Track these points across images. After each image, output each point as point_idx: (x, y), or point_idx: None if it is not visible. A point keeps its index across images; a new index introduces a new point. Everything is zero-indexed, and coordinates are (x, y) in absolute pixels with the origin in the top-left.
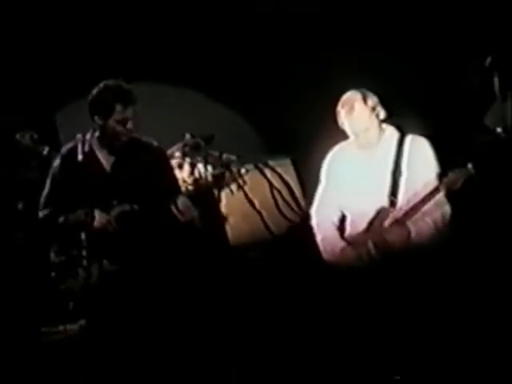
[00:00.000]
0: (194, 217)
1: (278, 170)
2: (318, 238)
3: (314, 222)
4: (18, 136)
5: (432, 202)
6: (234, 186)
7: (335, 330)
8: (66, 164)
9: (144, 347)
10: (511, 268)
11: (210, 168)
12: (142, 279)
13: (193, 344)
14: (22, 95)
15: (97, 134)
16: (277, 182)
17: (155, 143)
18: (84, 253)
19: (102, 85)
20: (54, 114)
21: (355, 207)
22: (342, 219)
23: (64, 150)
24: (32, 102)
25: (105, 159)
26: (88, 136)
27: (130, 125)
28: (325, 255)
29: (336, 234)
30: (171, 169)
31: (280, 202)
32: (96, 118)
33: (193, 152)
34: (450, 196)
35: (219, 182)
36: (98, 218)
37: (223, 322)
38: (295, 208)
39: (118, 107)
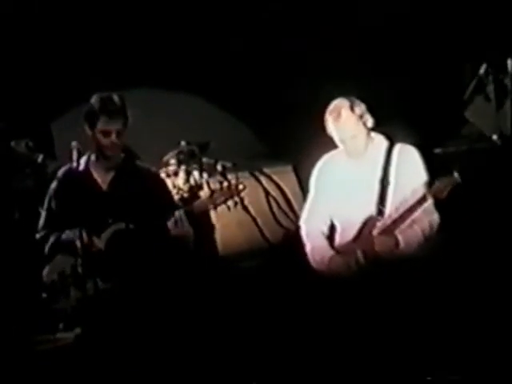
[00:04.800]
0: (188, 232)
1: (274, 177)
2: (308, 247)
3: (303, 232)
4: (13, 143)
5: (420, 210)
6: (231, 202)
7: (329, 337)
8: (62, 185)
9: (139, 364)
10: (500, 275)
11: (205, 175)
12: (136, 297)
13: (188, 358)
14: (18, 103)
15: (93, 155)
16: (272, 190)
17: (153, 169)
18: (78, 272)
19: (95, 95)
20: (49, 121)
21: (344, 216)
22: (332, 229)
23: (60, 172)
24: (28, 109)
25: (101, 179)
26: (85, 156)
27: (114, 138)
28: (314, 264)
29: (325, 243)
30: (169, 193)
31: (275, 209)
32: (86, 127)
33: (188, 159)
34: (437, 204)
35: (216, 197)
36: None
37: (219, 332)
38: (291, 216)
39: (103, 117)
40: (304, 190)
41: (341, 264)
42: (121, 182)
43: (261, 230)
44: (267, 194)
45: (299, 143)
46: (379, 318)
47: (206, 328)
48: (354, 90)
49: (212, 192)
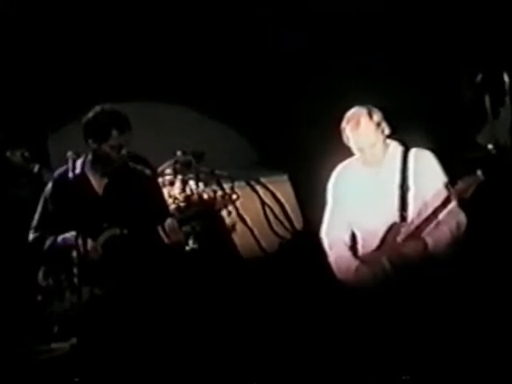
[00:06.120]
0: (180, 239)
1: (270, 186)
2: (332, 258)
3: (325, 243)
4: (8, 153)
5: (445, 212)
6: (225, 212)
7: (336, 346)
8: (57, 187)
9: (134, 370)
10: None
11: (201, 185)
12: (130, 302)
13: (184, 364)
14: (14, 113)
15: (89, 157)
16: (269, 199)
17: (147, 171)
18: (73, 276)
19: (98, 108)
20: (45, 131)
21: (365, 225)
22: (353, 238)
23: (56, 173)
24: (24, 119)
25: (97, 183)
26: (81, 159)
27: (123, 151)
28: (339, 275)
29: (349, 253)
30: (162, 196)
31: (272, 218)
32: (90, 141)
33: (184, 169)
34: (463, 204)
35: (210, 207)
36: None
37: (214, 340)
38: (287, 225)
39: (114, 133)
40: (300, 199)
41: (368, 273)
42: (116, 187)
43: (257, 240)
44: (263, 203)
45: (295, 152)
46: (406, 326)
47: (202, 335)
48: (355, 99)
49: (205, 201)
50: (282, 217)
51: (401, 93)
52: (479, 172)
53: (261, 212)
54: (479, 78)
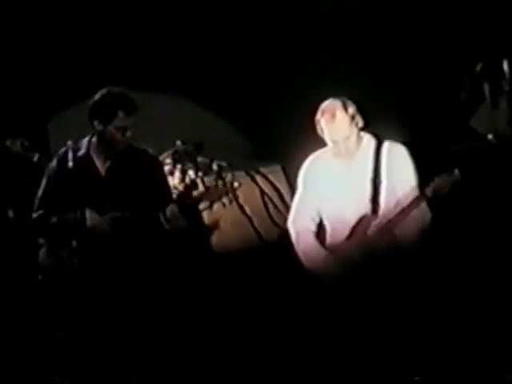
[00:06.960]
0: (181, 226)
1: (270, 176)
2: (300, 247)
3: (292, 231)
4: (8, 142)
5: (418, 208)
6: (226, 199)
7: (327, 337)
8: (61, 166)
9: (133, 352)
10: (501, 270)
11: (200, 174)
12: (131, 285)
13: (182, 350)
14: (13, 101)
15: (94, 138)
16: (268, 189)
17: (151, 151)
18: (74, 258)
19: (105, 90)
20: (45, 120)
21: (335, 215)
22: (320, 227)
23: (61, 152)
24: (23, 108)
25: (100, 164)
26: (86, 140)
27: (128, 133)
28: (307, 264)
29: (317, 242)
30: (165, 177)
31: (271, 208)
32: (96, 122)
33: (183, 159)
34: (435, 202)
35: (212, 194)
36: (90, 218)
37: (212, 327)
38: (286, 215)
39: (120, 114)
40: (293, 190)
41: (336, 263)
42: (119, 169)
43: (256, 230)
44: (262, 193)
45: (289, 143)
46: (377, 317)
47: (201, 323)
48: (344, 91)
49: (207, 189)
50: (281, 206)
51: (376, 85)
52: (457, 171)
53: (260, 202)
54: (479, 67)
